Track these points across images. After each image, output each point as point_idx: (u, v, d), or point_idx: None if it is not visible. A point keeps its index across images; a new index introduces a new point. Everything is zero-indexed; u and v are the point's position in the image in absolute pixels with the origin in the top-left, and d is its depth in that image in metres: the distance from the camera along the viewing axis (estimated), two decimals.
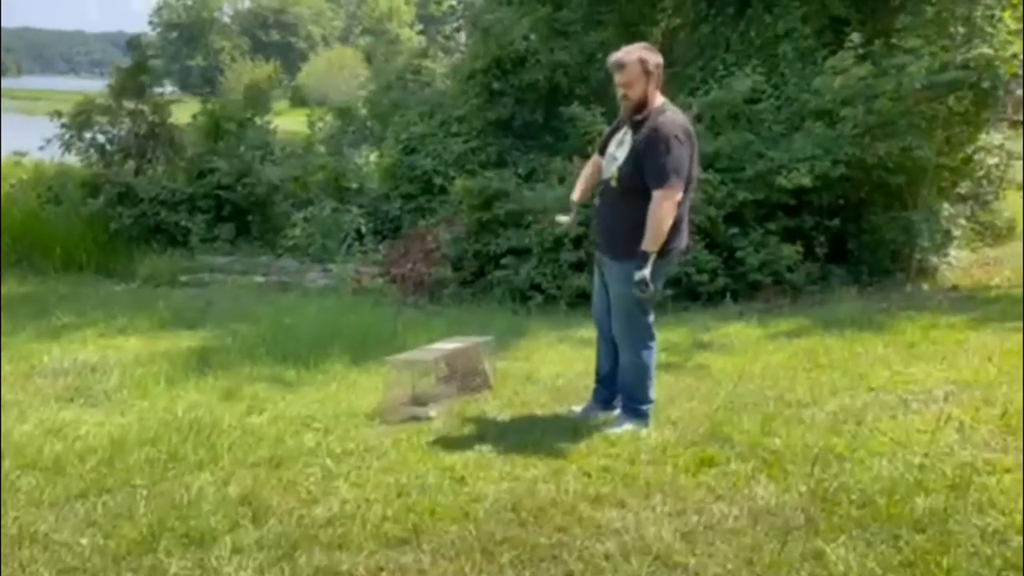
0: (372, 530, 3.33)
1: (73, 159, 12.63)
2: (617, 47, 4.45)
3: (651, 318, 4.48)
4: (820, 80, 9.06)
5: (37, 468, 3.93)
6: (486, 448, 4.23)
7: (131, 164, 12.23)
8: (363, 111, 15.27)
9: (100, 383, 5.55)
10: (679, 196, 4.12)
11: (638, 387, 4.52)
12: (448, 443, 4.33)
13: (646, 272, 4.12)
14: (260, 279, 9.79)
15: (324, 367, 6.02)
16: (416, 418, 4.72)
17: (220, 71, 55.18)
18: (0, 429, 4.45)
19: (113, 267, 10.94)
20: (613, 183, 4.32)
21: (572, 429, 4.48)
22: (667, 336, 6.72)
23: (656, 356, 4.59)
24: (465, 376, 5.27)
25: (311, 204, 11.12)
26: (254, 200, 10.86)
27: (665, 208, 4.08)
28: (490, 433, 4.46)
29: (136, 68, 12.59)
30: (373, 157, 13.03)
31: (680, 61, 11.40)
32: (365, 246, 10.47)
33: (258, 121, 12.16)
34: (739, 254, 8.34)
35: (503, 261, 8.71)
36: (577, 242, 8.36)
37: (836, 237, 8.96)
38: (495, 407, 4.93)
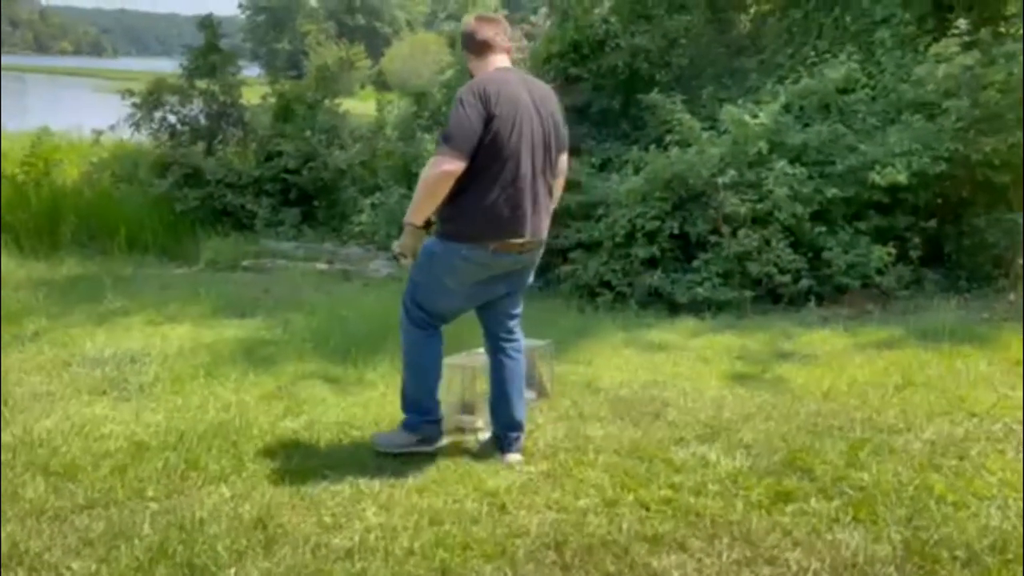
0: (395, 567, 2.95)
1: (143, 139, 12.59)
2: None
3: (439, 309, 3.95)
4: (921, 69, 8.34)
5: (48, 472, 3.66)
6: (535, 469, 3.82)
7: (201, 145, 12.13)
8: (438, 96, 14.90)
9: (137, 375, 5.30)
10: (450, 165, 3.51)
11: (411, 390, 3.99)
12: (493, 461, 3.93)
13: (396, 244, 3.92)
14: (323, 266, 9.54)
15: (374, 364, 5.67)
16: (462, 429, 4.33)
17: (305, 54, 55.70)
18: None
19: (177, 250, 10.84)
20: None
21: (632, 449, 4.03)
22: (744, 343, 6.22)
23: (436, 357, 4.01)
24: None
25: (379, 190, 10.82)
26: (320, 185, 10.62)
27: (429, 175, 3.59)
28: (540, 450, 4.04)
29: (207, 48, 12.47)
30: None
31: (769, 48, 10.76)
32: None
33: (327, 104, 11.89)
34: (825, 254, 7.72)
35: (571, 255, 8.25)
36: (651, 237, 7.86)
37: (932, 239, 8.23)
38: (549, 419, 4.51)
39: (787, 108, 8.18)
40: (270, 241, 10.27)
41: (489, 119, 3.53)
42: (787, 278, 7.55)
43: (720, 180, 7.66)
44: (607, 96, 10.62)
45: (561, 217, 8.47)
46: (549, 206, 3.90)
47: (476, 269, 3.79)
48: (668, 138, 8.40)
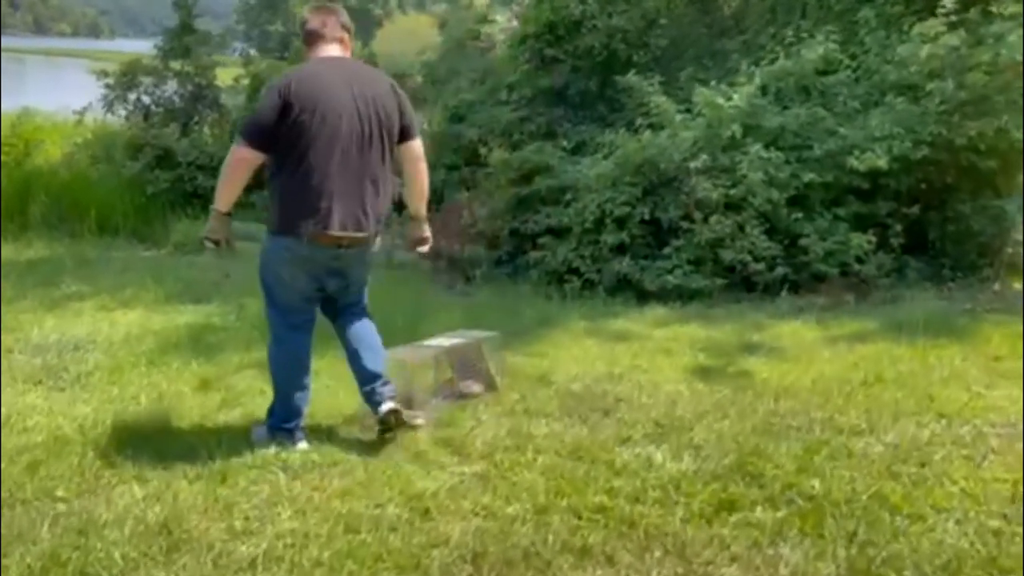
0: None
1: (116, 120, 12.31)
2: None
3: (283, 303, 3.84)
4: (905, 49, 8.06)
5: None
6: (468, 470, 3.60)
7: (174, 127, 11.84)
8: (419, 78, 14.60)
9: (77, 364, 5.10)
10: (240, 153, 3.57)
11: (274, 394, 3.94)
12: (425, 461, 3.71)
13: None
14: None
15: (321, 354, 5.43)
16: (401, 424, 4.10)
17: (297, 36, 55.08)
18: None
19: (147, 232, 10.61)
20: None
21: (574, 449, 3.81)
22: (710, 334, 5.99)
23: (292, 363, 3.90)
24: (465, 377, 4.63)
25: None
26: None
27: (226, 162, 3.65)
28: (478, 450, 3.81)
29: (182, 28, 12.17)
30: (423, 126, 12.39)
31: (752, 28, 10.48)
32: (404, 218, 9.83)
33: None
34: (802, 241, 7.48)
35: (540, 241, 8.02)
36: (621, 223, 7.62)
37: (915, 226, 7.99)
38: (493, 415, 4.29)
39: (763, 90, 7.92)
40: (239, 223, 9.95)
41: (285, 109, 3.49)
42: (761, 266, 7.33)
43: (692, 164, 7.42)
44: (584, 78, 10.35)
45: (531, 202, 8.26)
46: (378, 200, 3.76)
47: (299, 261, 3.70)
48: (639, 121, 8.13)
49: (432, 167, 10.74)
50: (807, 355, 5.41)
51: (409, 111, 3.87)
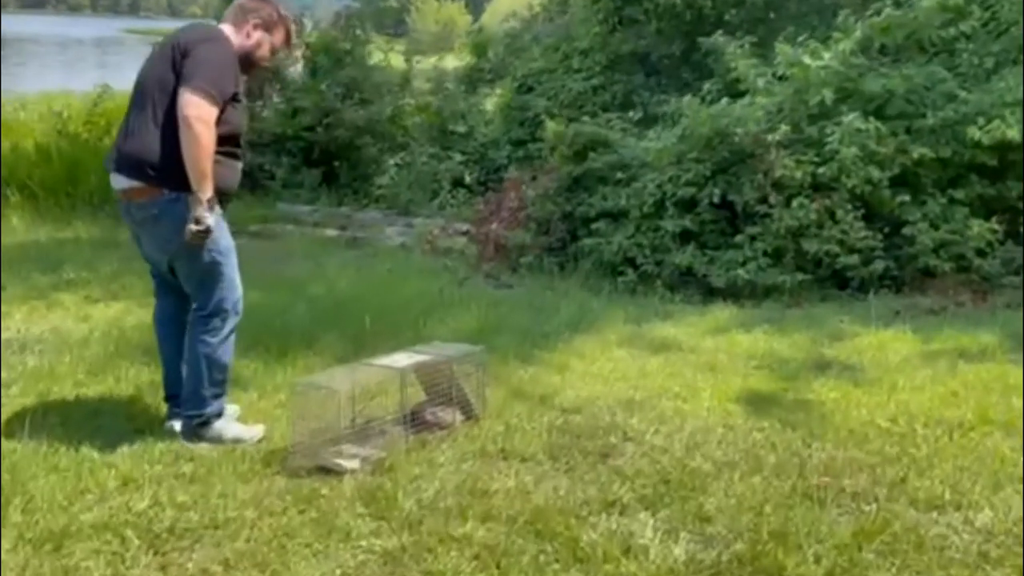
0: None
1: None
2: None
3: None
4: None
5: None
6: (378, 545, 2.68)
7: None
8: (501, 49, 13.66)
9: (15, 367, 4.42)
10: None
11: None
12: (328, 526, 2.80)
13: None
14: (333, 232, 8.55)
15: (304, 360, 4.62)
16: (325, 469, 3.21)
17: (409, 12, 54.97)
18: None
19: None
20: None
21: (533, 517, 2.83)
22: (774, 346, 4.87)
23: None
24: (438, 403, 3.70)
25: (404, 149, 9.73)
26: (340, 143, 9.59)
27: (201, 132, 3.28)
28: (405, 513, 2.88)
29: None
30: (493, 98, 11.43)
31: None
32: (460, 199, 9.00)
33: (357, 55, 10.71)
34: (907, 230, 6.18)
35: (594, 226, 6.96)
36: (685, 206, 6.49)
37: None
38: (455, 456, 3.34)
39: (864, 47, 6.59)
40: (286, 204, 9.34)
41: None
42: (855, 259, 6.08)
43: (772, 137, 6.21)
44: (666, 41, 9.16)
45: (586, 181, 7.23)
46: (144, 150, 3.32)
47: None
48: (707, 86, 6.95)
49: (495, 143, 9.94)
50: (892, 378, 4.23)
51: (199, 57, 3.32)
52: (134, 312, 5.60)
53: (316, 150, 9.79)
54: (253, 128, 10.09)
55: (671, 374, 4.40)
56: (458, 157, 9.49)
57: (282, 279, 6.56)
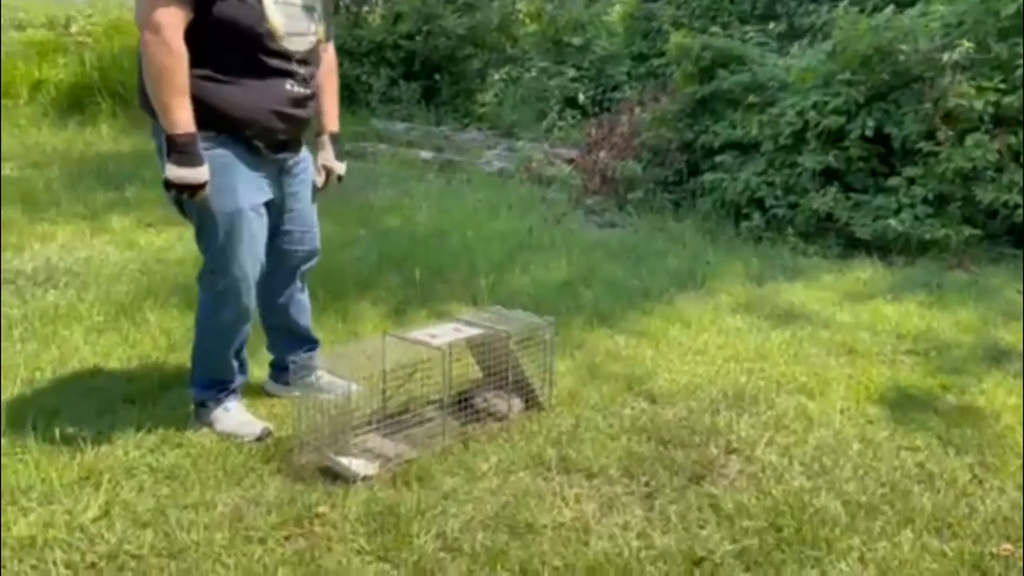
0: None
1: None
2: None
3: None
4: None
5: None
6: None
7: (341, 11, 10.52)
8: None
9: (29, 302, 3.91)
10: None
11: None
12: (320, 572, 2.09)
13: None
14: (427, 154, 7.79)
15: (355, 308, 3.94)
16: (332, 474, 2.51)
17: None
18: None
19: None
20: (314, 40, 2.67)
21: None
22: (934, 323, 3.89)
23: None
24: (493, 386, 2.94)
25: (512, 63, 8.80)
26: (442, 55, 8.73)
27: None
28: (421, 553, 2.15)
29: None
30: (616, 5, 10.26)
31: None
32: (570, 121, 8.06)
33: None
34: None
35: (718, 159, 5.94)
36: (831, 139, 5.41)
37: None
38: (496, 467, 2.59)
39: None
40: (381, 121, 8.63)
41: None
42: None
43: (948, 56, 5.02)
44: None
45: (711, 105, 6.21)
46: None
47: None
48: None
49: (615, 58, 8.88)
50: None
51: None
52: (187, 240, 5.02)
53: (417, 61, 8.98)
54: (353, 35, 9.39)
55: (796, 356, 3.49)
56: (572, 73, 8.48)
57: (360, 207, 5.88)
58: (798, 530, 2.24)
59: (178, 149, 2.39)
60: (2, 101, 8.85)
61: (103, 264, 4.48)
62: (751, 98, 5.73)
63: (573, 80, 8.54)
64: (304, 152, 2.81)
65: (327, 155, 2.91)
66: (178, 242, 4.94)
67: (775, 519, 2.29)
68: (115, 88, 8.89)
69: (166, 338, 3.53)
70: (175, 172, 2.41)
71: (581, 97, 8.48)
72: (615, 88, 8.54)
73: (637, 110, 6.74)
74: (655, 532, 2.27)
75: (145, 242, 4.95)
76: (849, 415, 2.96)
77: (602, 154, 6.82)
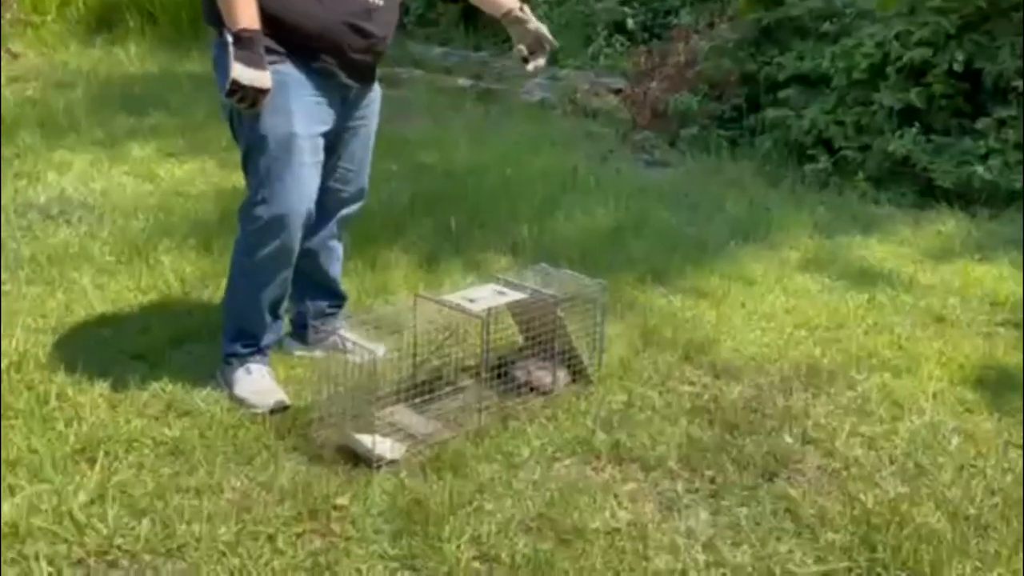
0: None
1: None
2: None
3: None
4: None
5: None
6: None
7: None
8: None
9: (39, 238, 3.63)
10: None
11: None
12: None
13: None
14: (465, 82, 7.36)
15: (385, 257, 3.62)
16: (354, 454, 2.21)
17: None
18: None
19: None
20: None
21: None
22: None
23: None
24: (534, 356, 2.61)
25: None
26: None
27: None
28: (452, 564, 1.85)
29: None
30: None
31: None
32: (617, 48, 7.56)
33: None
34: None
35: (782, 94, 5.46)
36: (913, 75, 4.92)
37: None
38: (538, 452, 2.28)
39: None
40: (418, 44, 8.18)
41: None
42: None
43: None
44: None
45: (777, 33, 5.71)
46: None
47: None
48: None
49: None
50: None
51: None
52: (209, 172, 4.72)
53: None
54: None
55: (876, 325, 3.12)
56: None
57: (391, 141, 5.45)
58: (896, 550, 1.91)
59: (243, 47, 2.14)
60: (31, 18, 8.55)
61: (120, 197, 4.18)
62: (824, 27, 5.22)
63: (622, 2, 8.01)
64: (376, 88, 2.53)
65: (531, 21, 2.61)
66: (199, 175, 4.63)
67: (867, 534, 1.96)
68: (144, 4, 8.51)
69: (180, 284, 3.24)
70: (241, 71, 2.13)
71: (630, 22, 7.95)
72: (668, 13, 7.97)
73: (693, 38, 6.24)
74: (724, 544, 1.95)
75: (165, 173, 4.62)
76: (943, 399, 2.60)
77: (653, 85, 6.36)
